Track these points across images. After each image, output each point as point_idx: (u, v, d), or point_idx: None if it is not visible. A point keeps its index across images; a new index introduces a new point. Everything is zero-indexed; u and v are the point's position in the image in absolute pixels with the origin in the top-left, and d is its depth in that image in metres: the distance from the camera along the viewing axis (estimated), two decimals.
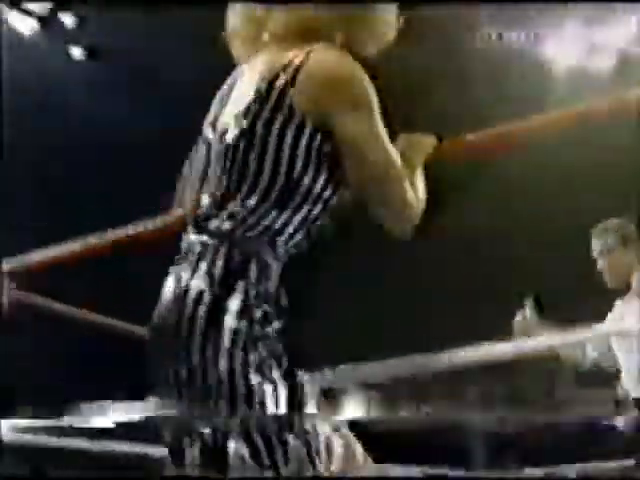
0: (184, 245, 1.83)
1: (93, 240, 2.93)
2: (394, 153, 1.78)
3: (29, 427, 4.23)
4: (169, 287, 1.80)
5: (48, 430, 4.26)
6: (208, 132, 1.85)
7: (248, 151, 1.73)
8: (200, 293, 1.72)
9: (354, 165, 1.74)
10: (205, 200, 1.80)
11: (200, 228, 1.79)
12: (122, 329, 3.68)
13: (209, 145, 1.83)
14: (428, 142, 2.02)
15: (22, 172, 5.95)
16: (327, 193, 1.79)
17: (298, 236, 1.79)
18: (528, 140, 2.37)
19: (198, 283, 1.73)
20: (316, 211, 1.79)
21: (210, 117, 1.88)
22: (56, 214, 5.83)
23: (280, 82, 1.71)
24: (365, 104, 1.73)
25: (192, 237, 1.81)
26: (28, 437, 4.19)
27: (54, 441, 4.18)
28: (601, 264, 3.77)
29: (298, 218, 1.77)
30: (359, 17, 1.87)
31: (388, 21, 1.90)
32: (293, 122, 1.71)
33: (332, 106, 1.70)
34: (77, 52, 6.20)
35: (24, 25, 6.05)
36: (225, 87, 1.90)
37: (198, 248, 1.78)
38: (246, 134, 1.73)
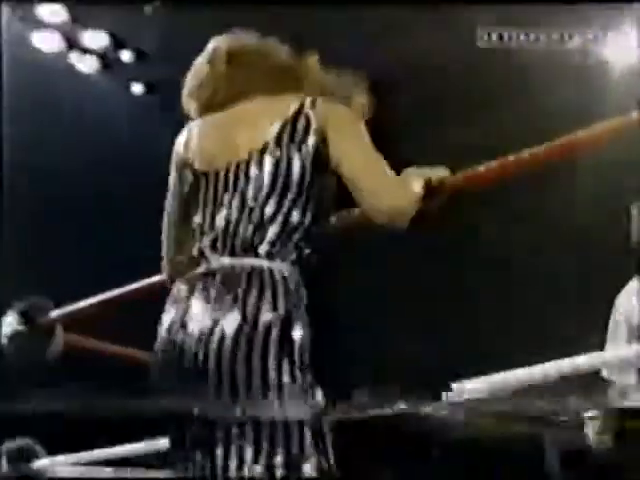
0: (215, 268, 1.97)
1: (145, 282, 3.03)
2: (380, 157, 2.05)
3: (89, 460, 4.30)
4: (201, 311, 1.94)
5: (108, 462, 4.33)
6: (211, 167, 2.07)
7: (288, 174, 1.99)
8: (270, 317, 1.90)
9: (351, 148, 2.03)
10: (244, 226, 1.98)
11: (245, 251, 1.96)
12: None
13: (217, 177, 2.05)
14: (435, 172, 2.20)
15: (82, 206, 6.05)
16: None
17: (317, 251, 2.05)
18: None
19: (265, 307, 1.91)
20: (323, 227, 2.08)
21: (200, 155, 2.10)
22: (116, 251, 5.91)
23: (303, 118, 2.02)
24: (356, 123, 2.07)
25: (227, 260, 1.97)
26: (89, 470, 4.29)
27: (117, 473, 4.25)
28: None
29: (321, 233, 2.06)
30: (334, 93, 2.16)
31: (359, 100, 2.19)
32: (317, 147, 2.01)
33: (328, 122, 2.03)
34: (138, 88, 6.31)
35: (85, 64, 6.18)
36: (202, 129, 2.15)
37: (243, 272, 1.94)
38: (281, 162, 1.99)
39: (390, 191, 2.04)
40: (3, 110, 4.07)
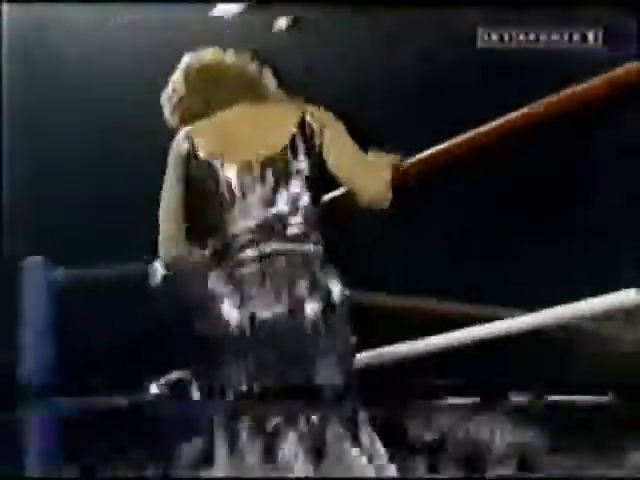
0: (269, 252, 2.27)
1: None
2: (363, 153, 2.44)
3: None
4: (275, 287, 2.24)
5: None
6: (222, 162, 2.36)
7: (308, 173, 2.35)
8: (339, 296, 2.26)
9: (342, 149, 2.39)
10: (285, 216, 2.30)
11: (291, 238, 2.29)
12: None
13: (240, 172, 2.34)
14: (392, 157, 2.52)
15: None
16: None
17: None
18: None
19: (333, 285, 2.27)
20: None
21: (209, 150, 2.37)
22: None
23: (308, 127, 2.38)
24: (342, 125, 2.47)
25: (279, 245, 2.28)
26: None
27: None
28: None
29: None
30: None
31: None
32: (320, 150, 2.39)
33: (325, 130, 2.42)
34: (282, 23, 6.05)
35: (227, 9, 6.08)
36: (206, 128, 2.43)
37: (300, 256, 2.27)
38: (300, 162, 2.35)
39: (381, 185, 2.40)
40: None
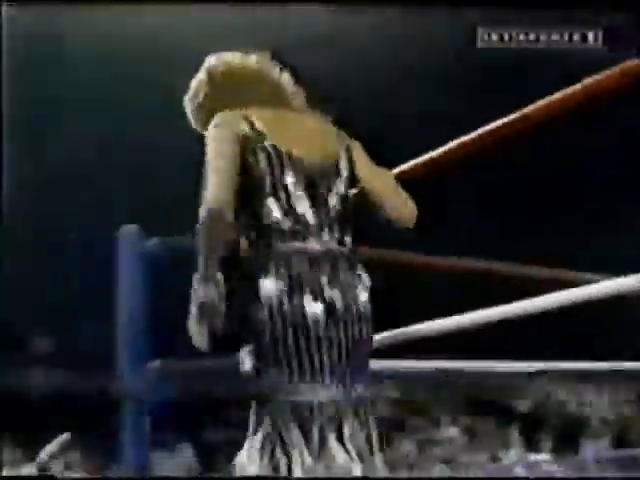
0: (321, 251, 2.40)
1: None
2: None
3: None
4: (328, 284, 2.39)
5: None
6: (280, 151, 2.45)
7: (349, 180, 2.52)
8: (368, 289, 2.44)
9: (372, 171, 2.59)
10: (336, 219, 2.46)
11: (341, 241, 2.45)
12: None
13: (304, 167, 2.46)
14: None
15: None
16: None
17: None
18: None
19: (364, 279, 2.45)
20: None
21: (277, 139, 2.46)
22: None
23: (346, 140, 2.59)
24: None
25: (332, 243, 2.42)
26: None
27: None
28: None
29: None
30: None
31: None
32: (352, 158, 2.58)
33: (352, 147, 2.60)
34: None
35: None
36: (264, 119, 2.48)
37: (343, 256, 2.43)
38: (347, 173, 2.53)
39: (410, 203, 2.61)
40: None
